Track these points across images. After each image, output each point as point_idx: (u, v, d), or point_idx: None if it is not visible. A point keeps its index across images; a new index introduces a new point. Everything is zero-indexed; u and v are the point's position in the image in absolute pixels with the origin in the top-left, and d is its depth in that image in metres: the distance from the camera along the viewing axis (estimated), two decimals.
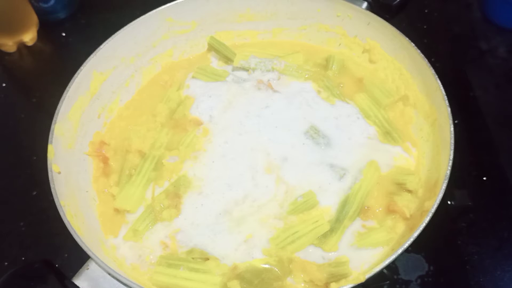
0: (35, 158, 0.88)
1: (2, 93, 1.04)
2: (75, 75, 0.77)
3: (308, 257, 0.68)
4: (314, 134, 0.78)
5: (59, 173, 0.69)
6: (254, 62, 0.87)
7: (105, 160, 0.79)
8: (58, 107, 0.73)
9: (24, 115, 0.99)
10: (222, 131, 0.79)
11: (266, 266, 0.67)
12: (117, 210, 0.74)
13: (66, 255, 0.79)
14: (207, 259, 0.68)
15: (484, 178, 0.86)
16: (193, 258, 0.68)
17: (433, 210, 0.61)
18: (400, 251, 0.59)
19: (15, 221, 0.85)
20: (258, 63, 0.87)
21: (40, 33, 1.09)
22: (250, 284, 0.64)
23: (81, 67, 0.78)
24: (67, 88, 0.75)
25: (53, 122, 0.72)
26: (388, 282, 0.76)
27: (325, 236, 0.69)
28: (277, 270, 0.66)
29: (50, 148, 0.70)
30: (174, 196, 0.74)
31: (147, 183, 0.75)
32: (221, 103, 0.82)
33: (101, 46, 0.80)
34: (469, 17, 1.10)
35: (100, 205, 0.75)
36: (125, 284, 0.59)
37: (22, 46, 1.08)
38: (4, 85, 1.05)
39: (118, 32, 0.82)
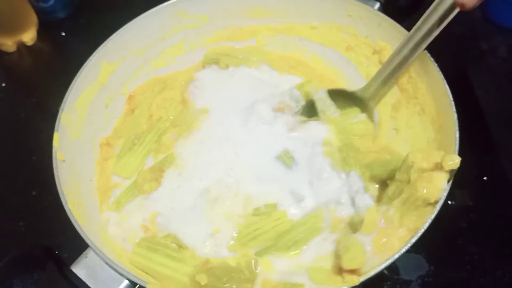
0: (35, 158, 0.88)
1: (2, 93, 1.04)
2: (84, 64, 0.77)
3: (270, 273, 0.68)
4: (286, 158, 0.77)
5: (64, 161, 0.69)
6: (319, 97, 0.83)
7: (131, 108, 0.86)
8: (66, 95, 0.73)
9: (24, 115, 0.99)
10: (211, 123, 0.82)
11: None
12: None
13: (66, 255, 0.78)
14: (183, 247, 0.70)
15: (485, 178, 0.86)
16: (172, 243, 0.69)
17: (435, 211, 0.61)
18: (401, 251, 0.59)
19: (15, 221, 0.85)
20: (321, 100, 0.83)
21: (39, 32, 1.09)
22: (219, 281, 0.64)
23: (91, 57, 0.78)
24: (76, 77, 0.75)
25: (60, 110, 0.72)
26: (388, 282, 0.76)
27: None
28: (246, 272, 0.66)
29: (56, 136, 0.69)
30: (158, 170, 0.76)
31: (147, 154, 0.79)
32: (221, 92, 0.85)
33: (112, 37, 0.80)
34: (469, 17, 1.09)
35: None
36: (121, 274, 0.59)
37: (21, 46, 1.08)
38: (3, 85, 1.05)
39: (128, 24, 0.82)
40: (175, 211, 0.73)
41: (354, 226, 0.69)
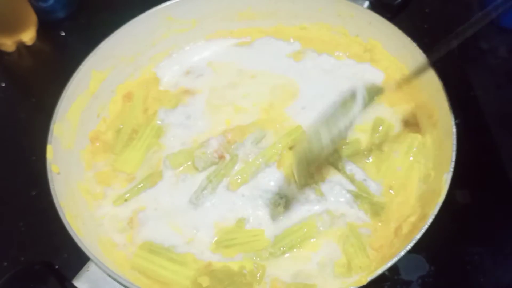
0: (34, 158, 0.88)
1: (2, 93, 1.04)
2: (74, 74, 0.76)
3: (279, 272, 0.67)
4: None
5: (58, 173, 0.69)
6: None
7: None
8: (57, 106, 0.73)
9: (24, 115, 0.99)
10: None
11: (244, 271, 0.67)
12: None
13: (66, 255, 0.78)
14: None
15: (484, 178, 0.85)
16: None
17: (435, 211, 0.61)
18: (402, 253, 0.59)
19: (14, 221, 0.85)
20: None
21: (39, 32, 1.09)
22: (221, 283, 0.65)
23: (80, 66, 0.77)
24: (66, 87, 0.75)
25: (52, 122, 0.72)
26: (388, 283, 0.76)
27: None
28: (248, 277, 0.66)
29: (49, 148, 0.69)
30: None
31: (148, 148, 0.79)
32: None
33: (100, 45, 0.80)
34: (469, 17, 1.09)
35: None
36: (125, 286, 0.59)
37: (21, 46, 1.08)
38: (3, 85, 1.04)
39: (117, 31, 0.82)
40: (158, 212, 0.73)
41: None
